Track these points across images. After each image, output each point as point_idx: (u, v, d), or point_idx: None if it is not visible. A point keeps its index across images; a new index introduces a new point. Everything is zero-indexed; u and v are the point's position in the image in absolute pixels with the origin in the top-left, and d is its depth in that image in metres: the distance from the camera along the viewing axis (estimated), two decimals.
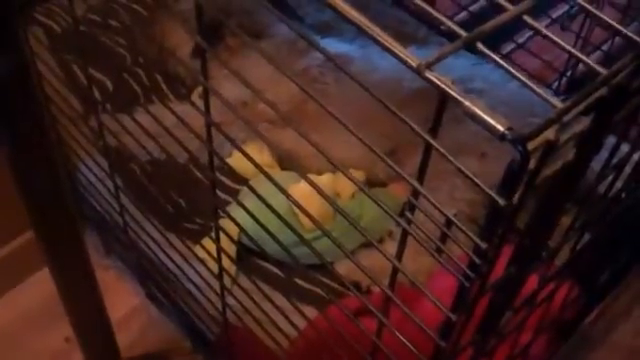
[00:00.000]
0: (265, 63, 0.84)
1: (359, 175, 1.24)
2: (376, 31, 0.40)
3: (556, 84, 1.46)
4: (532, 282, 0.68)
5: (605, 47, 1.49)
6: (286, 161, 1.24)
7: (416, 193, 0.47)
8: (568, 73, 1.44)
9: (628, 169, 0.73)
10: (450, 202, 1.12)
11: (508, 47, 1.51)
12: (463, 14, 1.56)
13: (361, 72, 1.21)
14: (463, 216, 1.12)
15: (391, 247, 1.16)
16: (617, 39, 1.48)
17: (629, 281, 1.11)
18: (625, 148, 0.67)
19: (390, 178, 1.24)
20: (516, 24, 0.47)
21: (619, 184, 0.74)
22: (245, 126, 1.19)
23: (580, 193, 0.57)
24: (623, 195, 0.79)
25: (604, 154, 0.60)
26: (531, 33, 1.47)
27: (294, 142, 1.17)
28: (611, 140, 0.59)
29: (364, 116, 0.90)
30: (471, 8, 1.55)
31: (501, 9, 0.43)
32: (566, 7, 1.48)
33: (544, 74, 1.47)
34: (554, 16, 1.50)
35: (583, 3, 0.45)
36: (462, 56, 1.06)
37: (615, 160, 0.65)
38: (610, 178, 0.70)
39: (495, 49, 1.50)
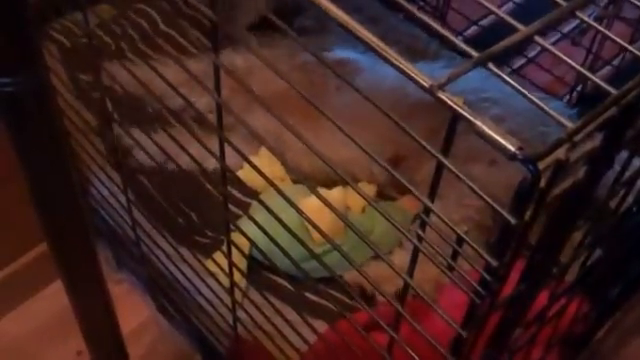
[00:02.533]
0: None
1: (370, 189, 1.24)
2: (388, 51, 0.40)
3: (567, 97, 1.46)
4: (543, 298, 0.69)
5: (616, 62, 1.49)
6: (297, 175, 1.24)
7: (427, 209, 0.47)
8: (579, 87, 1.44)
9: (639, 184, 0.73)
10: (459, 209, 1.12)
11: (519, 62, 1.51)
12: (474, 28, 1.57)
13: (371, 79, 1.21)
14: (472, 223, 1.12)
15: (400, 256, 1.17)
16: (628, 54, 1.48)
17: None
18: (637, 162, 0.67)
19: (401, 191, 1.24)
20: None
21: (630, 199, 0.74)
22: (256, 128, 1.21)
23: (591, 208, 0.57)
24: (635, 209, 0.79)
25: (616, 167, 0.60)
26: (540, 47, 1.47)
27: (304, 156, 1.17)
28: (623, 154, 0.59)
29: (371, 120, 0.91)
30: (482, 22, 1.55)
31: (513, 28, 0.43)
32: (577, 22, 1.48)
33: (555, 87, 1.48)
34: (565, 31, 1.51)
35: (591, 22, 0.45)
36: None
37: (627, 174, 0.65)
38: (621, 193, 0.70)
39: (506, 64, 1.52)
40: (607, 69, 1.49)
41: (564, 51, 1.51)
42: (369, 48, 0.41)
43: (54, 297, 1.28)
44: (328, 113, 0.54)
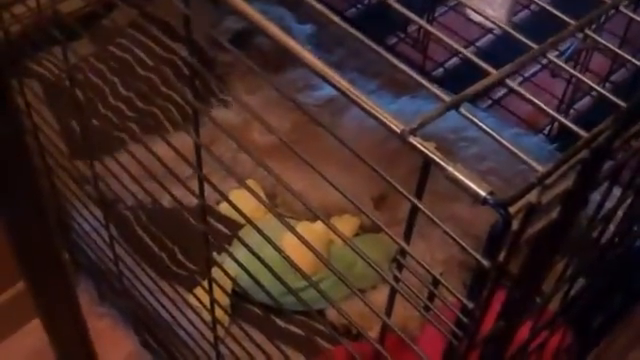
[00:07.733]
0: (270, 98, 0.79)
1: (354, 221, 1.24)
2: (359, 96, 0.41)
3: (548, 128, 1.47)
4: (524, 330, 0.68)
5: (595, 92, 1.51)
6: (280, 207, 1.25)
7: (403, 251, 0.47)
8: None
9: (620, 213, 0.73)
10: (443, 247, 1.12)
11: (500, 92, 1.52)
12: (454, 60, 1.58)
13: (360, 114, 1.22)
14: (456, 262, 1.12)
15: (384, 291, 1.16)
16: (608, 84, 1.50)
17: (624, 325, 1.10)
18: (617, 192, 0.67)
19: (384, 223, 1.24)
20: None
21: (612, 228, 0.75)
22: (240, 165, 1.21)
23: (572, 240, 0.58)
24: (616, 240, 0.79)
25: (596, 197, 0.60)
26: (522, 79, 1.49)
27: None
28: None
29: (356, 159, 0.91)
30: (462, 55, 1.56)
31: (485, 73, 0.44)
32: (556, 52, 1.49)
33: (537, 117, 1.48)
34: (544, 62, 1.52)
35: (561, 64, 0.46)
36: None
37: (608, 203, 0.65)
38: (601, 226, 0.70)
39: (486, 95, 1.52)
40: (586, 100, 1.50)
41: (544, 82, 1.52)
42: (340, 93, 0.41)
43: (35, 334, 1.27)
44: (321, 152, 0.54)
